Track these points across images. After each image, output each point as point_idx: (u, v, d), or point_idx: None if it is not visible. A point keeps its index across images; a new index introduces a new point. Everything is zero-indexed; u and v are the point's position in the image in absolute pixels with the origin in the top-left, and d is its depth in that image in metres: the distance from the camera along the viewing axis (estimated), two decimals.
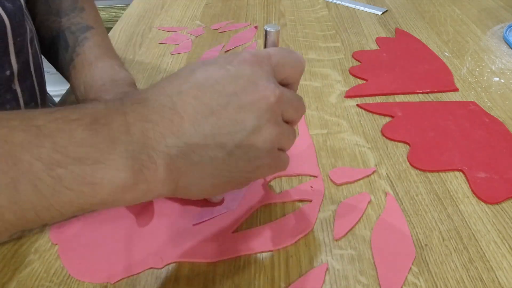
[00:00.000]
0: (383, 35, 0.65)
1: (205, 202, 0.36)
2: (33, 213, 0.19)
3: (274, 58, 0.26)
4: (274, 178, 0.40)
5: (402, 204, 0.37)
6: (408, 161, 0.41)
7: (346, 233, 0.34)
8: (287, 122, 0.27)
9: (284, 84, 0.27)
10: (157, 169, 0.22)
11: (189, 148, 0.22)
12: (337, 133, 0.45)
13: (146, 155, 0.21)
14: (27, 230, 0.21)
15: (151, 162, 0.22)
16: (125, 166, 0.21)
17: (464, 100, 0.50)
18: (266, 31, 0.31)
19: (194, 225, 0.35)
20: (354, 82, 0.54)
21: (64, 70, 0.44)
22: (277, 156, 0.27)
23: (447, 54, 0.60)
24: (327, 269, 0.32)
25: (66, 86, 0.47)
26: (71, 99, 0.52)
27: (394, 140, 0.44)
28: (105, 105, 0.23)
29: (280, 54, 0.26)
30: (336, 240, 0.34)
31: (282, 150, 0.28)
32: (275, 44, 0.31)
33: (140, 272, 0.32)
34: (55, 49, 0.44)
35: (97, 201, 0.20)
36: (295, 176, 0.40)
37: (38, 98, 0.46)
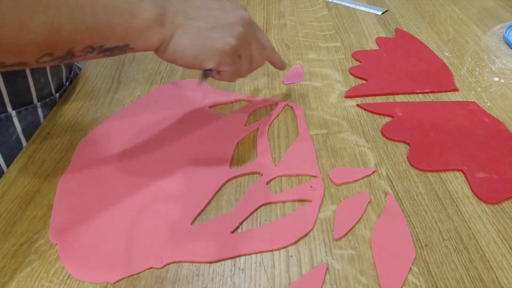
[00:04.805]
0: (383, 35, 0.65)
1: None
2: (100, 31, 0.32)
3: None
4: (274, 178, 0.40)
5: (402, 204, 0.37)
6: (408, 161, 0.41)
7: (346, 233, 0.34)
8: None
9: None
10: (169, 16, 0.36)
11: (186, 15, 0.37)
12: (337, 133, 0.45)
13: (163, 8, 0.35)
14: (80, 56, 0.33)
15: (166, 11, 0.36)
16: (153, 8, 0.34)
17: (464, 100, 0.50)
18: None
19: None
20: (354, 82, 0.54)
21: None
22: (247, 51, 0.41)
23: (447, 54, 0.60)
24: (327, 269, 0.32)
25: None
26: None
27: (394, 140, 0.44)
28: None
29: None
30: (336, 240, 0.34)
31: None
32: None
33: (140, 272, 0.32)
34: None
35: (134, 30, 0.34)
36: (295, 176, 0.40)
37: None
